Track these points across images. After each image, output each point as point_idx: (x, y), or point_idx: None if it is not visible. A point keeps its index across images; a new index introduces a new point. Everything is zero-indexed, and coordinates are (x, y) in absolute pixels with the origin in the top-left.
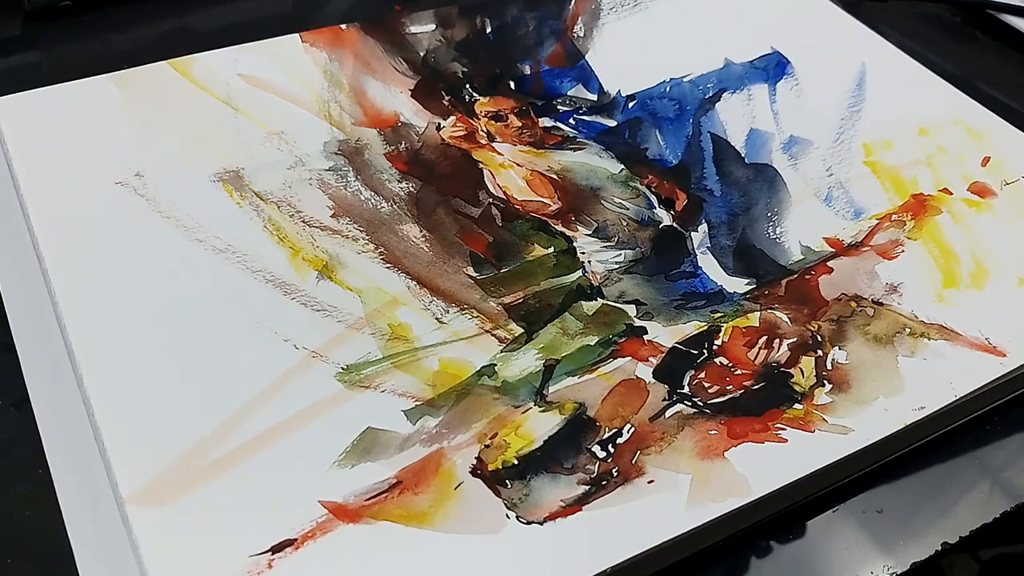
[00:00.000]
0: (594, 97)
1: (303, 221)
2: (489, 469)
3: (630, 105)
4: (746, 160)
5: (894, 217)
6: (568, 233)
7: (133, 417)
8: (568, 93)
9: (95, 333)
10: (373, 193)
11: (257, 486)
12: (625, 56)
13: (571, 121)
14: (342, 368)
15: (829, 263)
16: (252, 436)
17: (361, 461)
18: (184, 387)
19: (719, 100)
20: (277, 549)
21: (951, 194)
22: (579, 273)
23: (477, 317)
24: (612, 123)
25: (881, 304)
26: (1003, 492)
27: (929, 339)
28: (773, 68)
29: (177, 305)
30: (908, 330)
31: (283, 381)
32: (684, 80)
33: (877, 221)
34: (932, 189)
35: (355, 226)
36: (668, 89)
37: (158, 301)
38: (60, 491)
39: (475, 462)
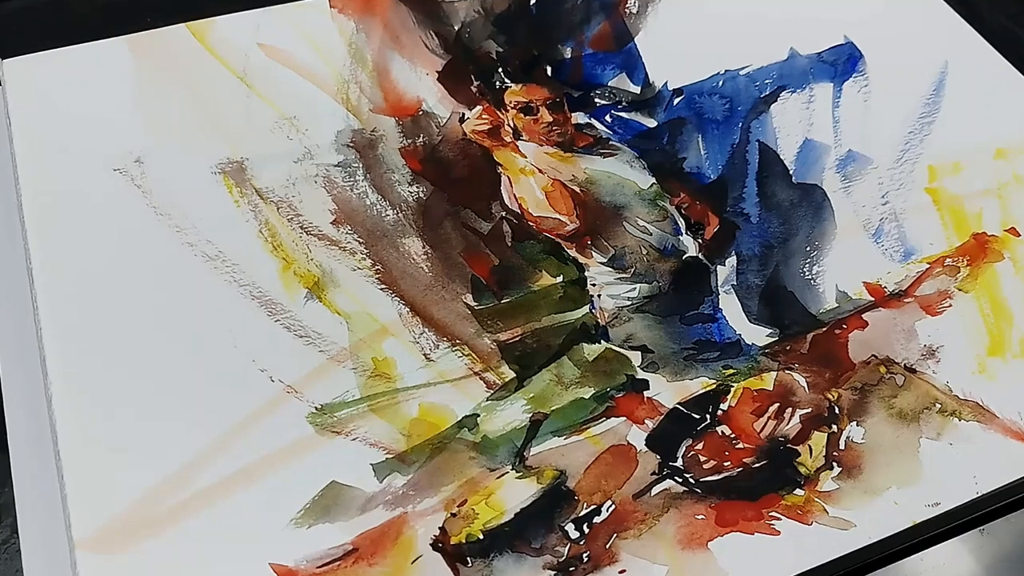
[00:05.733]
0: (637, 90)
1: (301, 227)
2: (451, 543)
3: (675, 101)
4: (794, 178)
5: (948, 262)
6: (581, 260)
7: (96, 451)
8: (609, 84)
9: (70, 349)
10: (380, 197)
11: (210, 540)
12: (679, 40)
13: (607, 119)
14: (316, 408)
15: (865, 315)
16: (212, 482)
17: (320, 520)
18: (153, 420)
19: (776, 100)
20: None
21: (1018, 235)
22: (585, 310)
23: (468, 355)
24: (652, 123)
25: (914, 371)
26: None
27: (960, 419)
28: (843, 63)
29: (159, 323)
30: (939, 406)
31: (253, 419)
32: (740, 74)
33: (928, 266)
34: (997, 227)
35: (355, 236)
36: (721, 84)
37: (140, 318)
38: (22, 522)
39: (438, 533)
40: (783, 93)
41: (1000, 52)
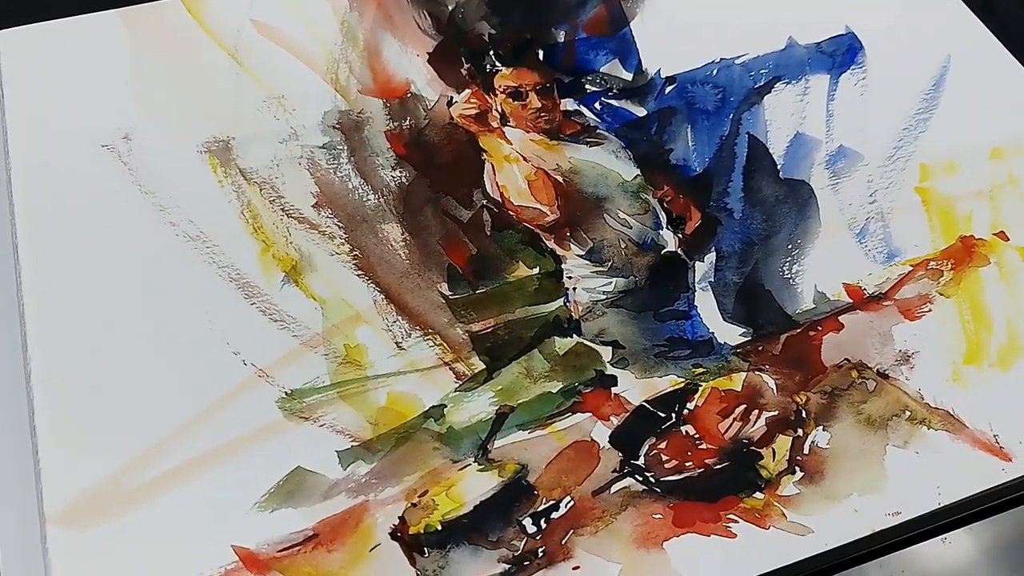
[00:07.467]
0: (629, 76)
1: (283, 209)
2: (410, 532)
3: (667, 90)
4: (781, 173)
5: (931, 265)
6: (559, 251)
7: (71, 429)
8: (601, 69)
9: (51, 326)
10: (363, 181)
11: (175, 520)
12: (676, 26)
13: (596, 106)
14: (285, 393)
15: (841, 317)
16: (181, 462)
17: (283, 505)
18: (128, 398)
19: (769, 92)
20: None
21: (1007, 240)
22: (560, 303)
23: (439, 345)
24: (641, 112)
25: (886, 377)
26: None
27: (929, 427)
28: (842, 54)
29: (137, 302)
30: (908, 413)
31: (224, 402)
32: (735, 63)
33: (911, 268)
34: (986, 231)
35: (335, 220)
36: (715, 72)
37: (120, 296)
38: None
39: (397, 522)
40: (778, 84)
41: (1010, 41)
